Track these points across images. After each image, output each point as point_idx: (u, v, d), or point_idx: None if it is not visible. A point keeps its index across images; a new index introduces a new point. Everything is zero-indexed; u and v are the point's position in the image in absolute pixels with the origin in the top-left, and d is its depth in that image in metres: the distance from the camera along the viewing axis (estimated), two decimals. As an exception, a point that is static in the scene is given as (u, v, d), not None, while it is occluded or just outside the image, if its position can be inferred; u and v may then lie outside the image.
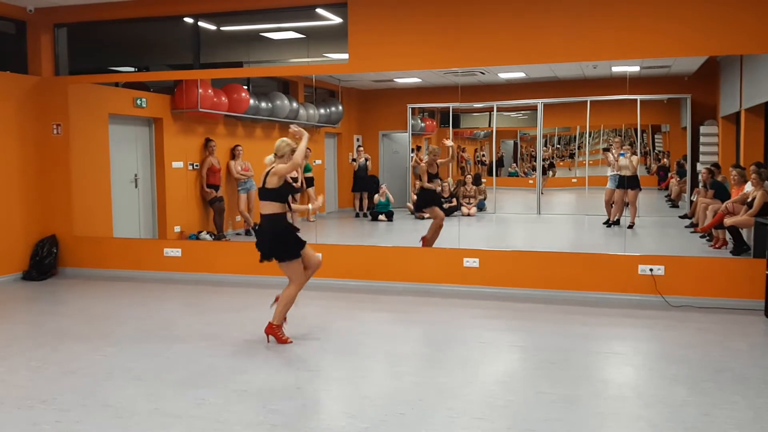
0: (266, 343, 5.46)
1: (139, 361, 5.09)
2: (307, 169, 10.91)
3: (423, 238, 8.47)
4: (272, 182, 5.29)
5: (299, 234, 5.49)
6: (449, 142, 9.13)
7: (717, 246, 8.13)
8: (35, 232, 8.76)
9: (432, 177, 8.67)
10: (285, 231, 5.40)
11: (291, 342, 5.44)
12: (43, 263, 8.58)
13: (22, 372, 4.84)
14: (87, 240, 8.84)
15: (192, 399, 4.25)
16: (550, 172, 11.51)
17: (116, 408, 4.11)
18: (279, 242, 5.37)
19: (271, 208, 5.33)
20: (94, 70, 9.04)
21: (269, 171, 5.32)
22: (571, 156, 11.37)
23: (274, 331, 5.43)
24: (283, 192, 5.36)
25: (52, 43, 8.83)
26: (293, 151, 5.34)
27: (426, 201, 8.73)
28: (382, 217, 11.38)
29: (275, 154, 5.38)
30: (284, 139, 5.42)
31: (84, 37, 9.08)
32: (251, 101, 10.32)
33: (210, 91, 9.74)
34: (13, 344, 5.59)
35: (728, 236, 7.93)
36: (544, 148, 11.28)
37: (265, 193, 5.35)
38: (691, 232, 8.98)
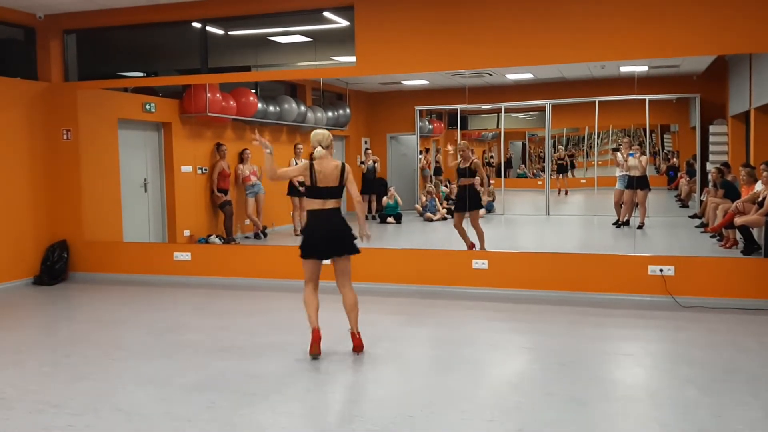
0: (279, 348, 5.46)
1: (150, 365, 5.11)
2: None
3: (471, 245, 8.43)
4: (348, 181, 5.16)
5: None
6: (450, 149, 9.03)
7: (727, 246, 8.08)
8: (46, 237, 8.82)
9: (466, 173, 8.64)
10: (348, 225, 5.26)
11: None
12: (54, 268, 8.63)
13: (34, 376, 4.87)
14: (97, 244, 8.89)
15: (202, 403, 4.26)
16: (570, 173, 11.44)
17: (127, 412, 4.13)
18: (353, 236, 5.24)
19: (337, 203, 5.18)
20: (103, 76, 9.09)
21: (344, 171, 5.15)
22: (581, 157, 11.34)
23: (361, 342, 5.25)
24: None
25: (62, 49, 8.89)
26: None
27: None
28: (390, 219, 11.39)
29: (321, 145, 5.19)
30: (325, 131, 5.30)
31: (93, 43, 9.14)
32: (259, 105, 10.35)
33: (218, 95, 9.78)
34: (24, 349, 5.62)
35: (739, 236, 7.88)
36: (560, 147, 11.23)
37: (340, 191, 5.18)
38: (702, 232, 8.94)
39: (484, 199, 11.26)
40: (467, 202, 8.58)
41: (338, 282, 5.30)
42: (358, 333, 5.24)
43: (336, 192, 5.16)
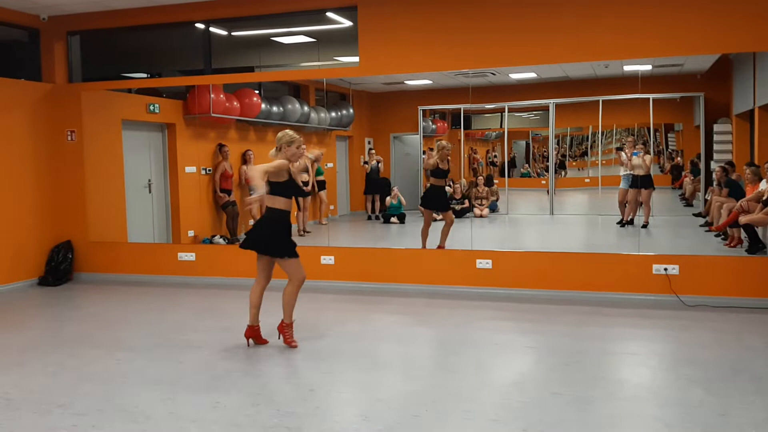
0: (283, 348, 5.47)
1: (155, 365, 5.12)
2: (318, 173, 10.94)
3: (439, 247, 8.39)
4: (275, 177, 5.26)
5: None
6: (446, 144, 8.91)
7: (732, 245, 8.06)
8: (50, 237, 8.84)
9: (442, 174, 8.59)
10: (284, 228, 5.42)
11: (296, 346, 5.45)
12: (59, 269, 8.65)
13: (39, 377, 4.89)
14: (102, 245, 8.91)
15: (207, 403, 4.27)
16: (563, 172, 11.46)
17: (132, 412, 4.13)
18: (277, 238, 5.38)
19: (277, 203, 5.32)
20: (107, 77, 9.11)
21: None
22: (584, 156, 11.32)
23: (285, 330, 5.47)
24: (290, 189, 5.36)
25: (66, 50, 8.91)
26: (290, 143, 5.29)
27: (434, 200, 8.65)
28: (394, 219, 11.39)
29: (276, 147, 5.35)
30: (286, 131, 5.37)
31: (97, 45, 9.15)
32: (263, 105, 10.36)
33: (222, 96, 9.79)
34: (29, 350, 5.64)
35: (743, 235, 7.86)
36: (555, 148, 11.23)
37: (272, 187, 5.29)
38: (706, 231, 8.92)
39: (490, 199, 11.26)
40: (441, 203, 8.59)
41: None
42: (287, 322, 5.48)
43: (271, 189, 5.30)
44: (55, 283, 8.57)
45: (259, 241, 5.41)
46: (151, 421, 3.99)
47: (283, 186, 5.31)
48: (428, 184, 8.75)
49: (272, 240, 5.38)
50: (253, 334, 5.49)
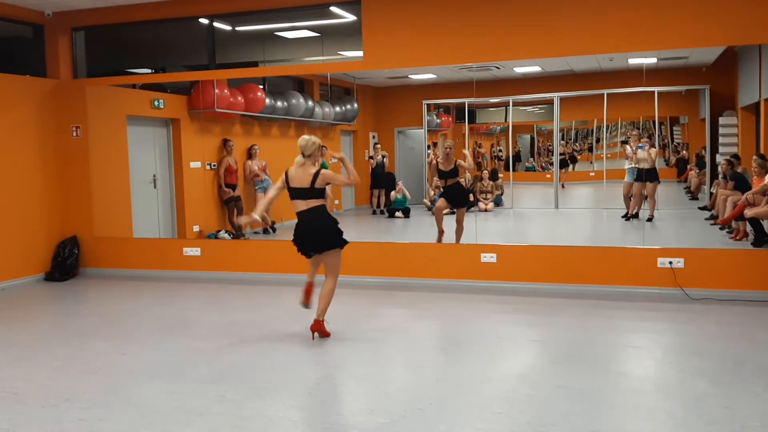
0: (288, 341, 5.49)
1: (161, 359, 5.15)
2: (323, 167, 10.93)
3: (442, 232, 8.49)
4: (321, 183, 5.43)
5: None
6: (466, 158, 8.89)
7: (737, 238, 8.04)
8: (57, 233, 8.87)
9: (443, 175, 8.59)
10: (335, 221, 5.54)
11: (329, 334, 5.56)
12: (65, 264, 8.69)
13: (46, 371, 4.91)
14: (107, 240, 8.94)
15: (213, 396, 4.28)
16: (571, 167, 11.44)
17: (138, 406, 4.16)
18: (338, 230, 5.51)
19: (319, 202, 5.45)
20: (111, 72, 9.12)
21: (318, 173, 5.39)
22: (589, 150, 11.31)
23: (321, 327, 5.50)
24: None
25: (70, 46, 8.93)
26: (320, 148, 5.51)
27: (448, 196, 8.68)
28: (398, 213, 11.39)
29: (303, 154, 5.43)
30: (307, 137, 5.47)
31: (101, 40, 9.16)
32: (267, 100, 10.37)
33: (226, 91, 9.80)
34: (36, 344, 5.67)
35: (749, 228, 7.85)
36: (562, 143, 11.21)
37: (314, 192, 5.42)
38: (711, 224, 8.90)
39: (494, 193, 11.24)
40: (457, 199, 8.61)
41: (325, 272, 5.60)
42: (321, 320, 5.49)
43: (308, 193, 5.42)
44: (62, 278, 8.60)
45: (325, 239, 5.50)
46: (157, 415, 4.01)
47: (324, 189, 5.54)
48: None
49: (327, 236, 5.50)
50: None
